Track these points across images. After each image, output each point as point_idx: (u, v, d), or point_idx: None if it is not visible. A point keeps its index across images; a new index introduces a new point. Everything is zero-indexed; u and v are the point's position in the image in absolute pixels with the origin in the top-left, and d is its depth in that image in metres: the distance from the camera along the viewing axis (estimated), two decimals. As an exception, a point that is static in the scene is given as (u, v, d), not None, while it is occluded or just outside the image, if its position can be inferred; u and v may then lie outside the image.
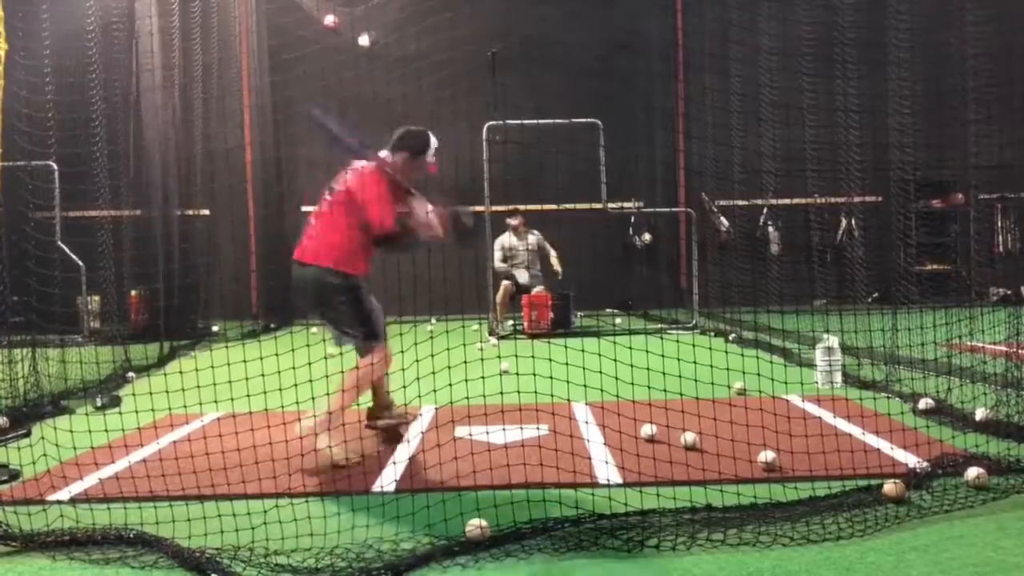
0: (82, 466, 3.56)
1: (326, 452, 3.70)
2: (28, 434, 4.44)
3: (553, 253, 9.53)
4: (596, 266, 10.91)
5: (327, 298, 3.94)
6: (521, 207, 9.59)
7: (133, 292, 8.91)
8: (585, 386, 3.56)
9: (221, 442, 3.52)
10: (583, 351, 3.59)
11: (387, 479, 3.48)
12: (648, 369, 3.82)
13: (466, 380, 3.40)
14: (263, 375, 3.48)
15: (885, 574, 2.39)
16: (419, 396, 4.20)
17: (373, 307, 4.01)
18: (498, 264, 9.45)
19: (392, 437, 4.28)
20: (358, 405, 4.10)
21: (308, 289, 3.97)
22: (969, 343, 5.16)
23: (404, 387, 3.95)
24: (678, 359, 4.95)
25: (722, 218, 10.87)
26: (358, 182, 3.97)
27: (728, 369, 3.96)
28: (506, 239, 9.58)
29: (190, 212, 9.32)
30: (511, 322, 9.43)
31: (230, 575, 2.47)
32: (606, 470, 3.49)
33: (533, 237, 9.60)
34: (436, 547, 2.60)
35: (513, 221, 9.49)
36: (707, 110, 10.26)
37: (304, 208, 10.85)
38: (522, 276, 9.41)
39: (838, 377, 5.44)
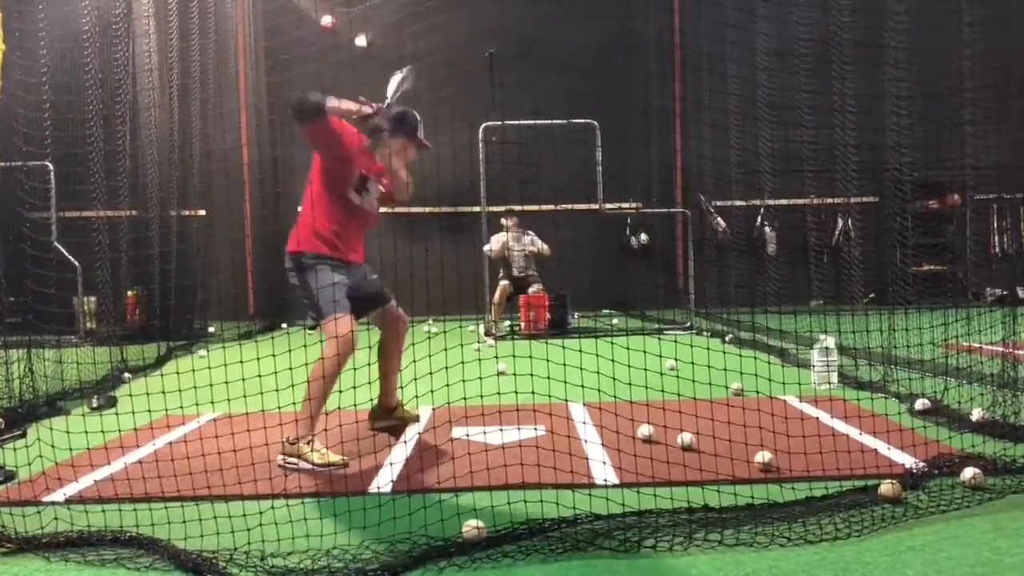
0: (77, 467, 3.55)
1: (305, 454, 3.68)
2: (23, 435, 4.43)
3: (547, 250, 9.52)
4: (593, 267, 10.92)
5: (293, 285, 3.88)
6: (516, 207, 9.59)
7: (129, 292, 8.90)
8: (582, 386, 3.56)
9: (217, 443, 3.51)
10: (580, 351, 3.59)
11: (383, 480, 3.47)
12: (645, 369, 3.82)
13: (463, 380, 3.40)
14: (259, 376, 3.47)
15: (882, 574, 2.39)
16: (416, 397, 4.20)
17: (325, 282, 3.74)
18: (495, 246, 9.36)
19: (395, 431, 4.26)
20: (356, 406, 4.10)
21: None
22: (965, 343, 5.17)
23: (401, 387, 3.95)
24: (676, 358, 4.96)
25: (719, 218, 10.89)
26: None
27: (725, 369, 3.97)
28: (505, 237, 9.60)
29: (187, 212, 9.31)
30: (508, 322, 9.43)
31: (226, 576, 2.46)
32: (603, 470, 3.49)
33: (528, 238, 9.62)
34: (433, 548, 2.60)
35: (508, 221, 9.51)
36: (704, 110, 10.29)
37: (301, 209, 10.84)
38: (517, 269, 9.44)
39: (835, 377, 5.45)
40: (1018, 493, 3.02)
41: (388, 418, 4.31)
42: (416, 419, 4.50)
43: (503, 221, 9.50)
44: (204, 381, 3.53)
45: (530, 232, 9.62)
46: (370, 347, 4.26)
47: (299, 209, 3.98)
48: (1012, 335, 4.57)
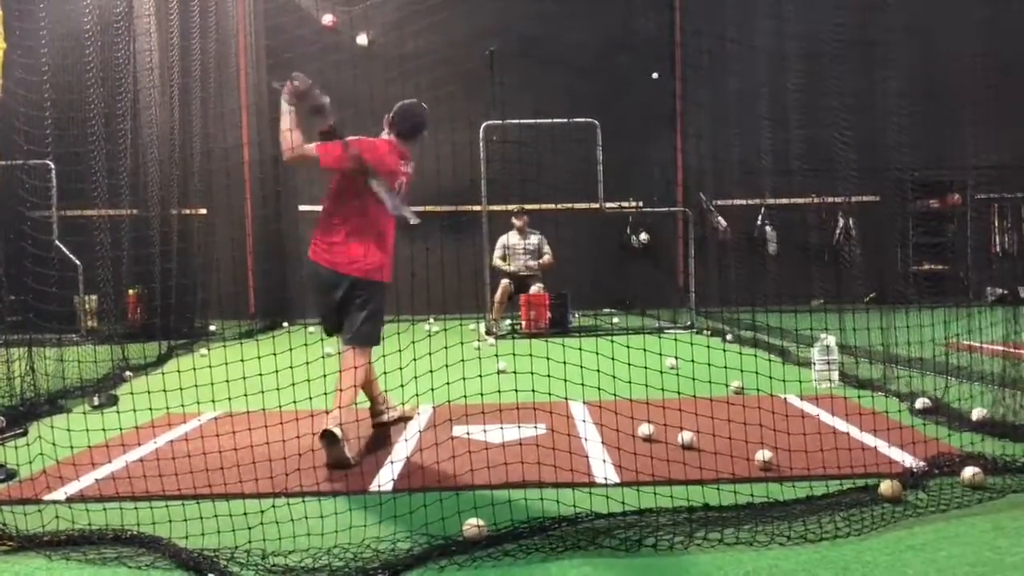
0: (79, 465, 3.55)
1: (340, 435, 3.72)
2: (25, 433, 4.44)
3: (546, 258, 9.54)
4: (594, 266, 10.92)
5: (376, 303, 4.00)
6: (521, 206, 9.61)
7: (131, 291, 8.90)
8: (583, 385, 3.56)
9: (218, 442, 3.51)
10: (581, 350, 3.59)
11: (384, 478, 3.48)
12: (646, 368, 3.82)
13: (464, 379, 3.40)
14: (260, 375, 3.48)
15: (882, 573, 2.39)
16: (417, 395, 4.20)
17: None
18: (497, 262, 9.49)
19: (386, 432, 4.34)
20: (355, 405, 4.10)
21: (354, 294, 3.96)
22: (966, 343, 5.17)
23: (402, 386, 3.94)
24: (676, 357, 4.96)
25: (719, 218, 10.88)
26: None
27: (726, 368, 3.97)
28: (506, 238, 9.62)
29: (187, 211, 9.31)
30: (508, 321, 9.43)
31: (228, 575, 2.47)
32: (604, 469, 3.49)
33: (535, 238, 9.63)
34: (433, 546, 2.60)
35: (517, 221, 9.53)
36: (705, 109, 10.28)
37: (302, 208, 10.85)
38: (517, 268, 9.47)
39: (835, 376, 5.45)
40: (1018, 492, 3.02)
41: (388, 414, 4.43)
42: (414, 415, 4.55)
43: (514, 220, 9.53)
44: (205, 380, 3.53)
45: (538, 232, 9.63)
46: (384, 356, 4.29)
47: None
48: (1013, 334, 4.58)
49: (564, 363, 3.48)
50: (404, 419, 4.52)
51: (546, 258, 9.56)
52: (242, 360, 3.52)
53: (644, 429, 3.94)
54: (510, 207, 9.54)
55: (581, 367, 3.56)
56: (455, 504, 2.96)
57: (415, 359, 3.55)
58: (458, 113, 8.66)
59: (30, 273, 5.27)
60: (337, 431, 3.64)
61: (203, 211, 9.81)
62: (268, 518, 2.93)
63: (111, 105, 7.70)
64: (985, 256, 11.12)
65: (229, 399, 3.48)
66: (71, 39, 7.07)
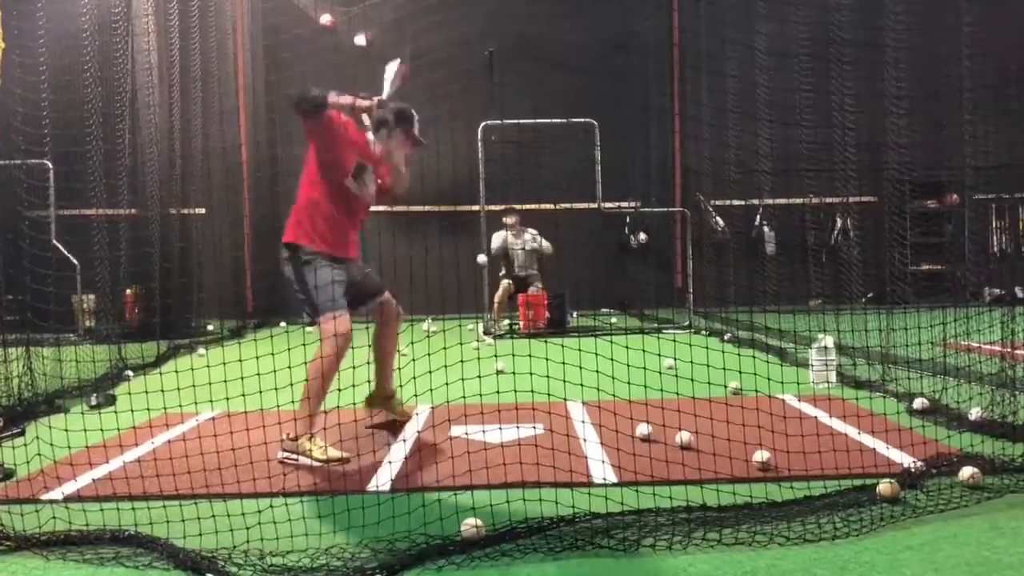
0: (76, 465, 3.54)
1: (307, 450, 3.70)
2: (22, 433, 4.43)
3: (549, 248, 9.50)
4: (592, 266, 10.93)
5: (287, 277, 3.88)
6: (517, 206, 9.59)
7: (128, 291, 8.89)
8: (581, 385, 3.56)
9: (216, 441, 3.51)
10: (579, 350, 3.59)
11: (382, 478, 3.47)
12: (644, 368, 3.82)
13: (462, 379, 3.40)
14: (258, 374, 3.47)
15: (880, 573, 2.40)
16: (415, 395, 4.19)
17: (323, 280, 3.73)
18: (495, 243, 9.31)
19: (393, 429, 4.29)
20: (355, 405, 4.09)
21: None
22: (964, 343, 5.17)
23: (400, 386, 3.95)
24: (675, 357, 4.96)
25: (717, 218, 10.90)
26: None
27: (724, 368, 3.97)
28: (505, 237, 9.60)
29: (186, 211, 9.31)
30: (507, 321, 9.43)
31: (225, 575, 2.46)
32: (602, 469, 3.49)
33: (529, 235, 9.61)
34: (431, 547, 2.60)
35: (509, 220, 9.50)
36: (703, 109, 10.29)
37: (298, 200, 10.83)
38: (519, 268, 9.43)
39: (833, 377, 5.45)
40: (1016, 492, 3.03)
41: (385, 404, 4.33)
42: (410, 417, 4.52)
43: (504, 219, 9.50)
44: (203, 379, 3.53)
45: (530, 230, 9.61)
46: (369, 346, 4.27)
47: (297, 199, 4.01)
48: (1010, 335, 4.58)
49: (563, 363, 3.48)
50: (402, 422, 4.45)
51: (546, 245, 9.49)
52: (240, 360, 3.52)
53: (642, 429, 3.94)
54: (504, 207, 9.51)
55: (580, 367, 3.56)
56: (453, 504, 2.96)
57: (414, 360, 3.55)
58: (457, 113, 8.66)
59: (28, 273, 5.27)
60: (285, 454, 3.65)
61: (201, 211, 9.79)
62: (266, 518, 2.92)
63: (109, 105, 7.70)
64: (983, 256, 11.15)
65: (227, 399, 3.47)
66: (69, 38, 7.06)
